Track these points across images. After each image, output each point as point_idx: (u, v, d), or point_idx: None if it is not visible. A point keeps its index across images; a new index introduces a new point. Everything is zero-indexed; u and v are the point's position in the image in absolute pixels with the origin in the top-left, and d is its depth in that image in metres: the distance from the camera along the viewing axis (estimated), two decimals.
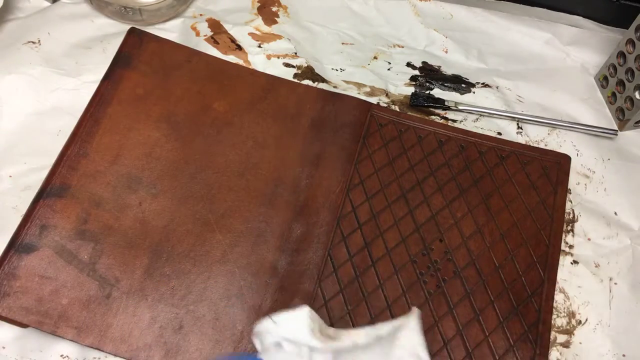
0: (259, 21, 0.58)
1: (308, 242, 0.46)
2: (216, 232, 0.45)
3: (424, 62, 0.58)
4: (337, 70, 0.56)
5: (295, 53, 0.57)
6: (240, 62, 0.55)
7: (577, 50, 0.59)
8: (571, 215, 0.50)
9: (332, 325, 0.43)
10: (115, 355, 0.41)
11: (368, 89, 0.55)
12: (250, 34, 0.57)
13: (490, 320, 0.44)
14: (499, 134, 0.54)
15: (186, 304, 0.42)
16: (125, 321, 0.41)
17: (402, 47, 0.59)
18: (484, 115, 0.54)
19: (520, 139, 0.53)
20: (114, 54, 0.52)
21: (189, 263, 0.44)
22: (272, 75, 0.53)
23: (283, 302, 0.43)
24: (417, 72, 0.57)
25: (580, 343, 0.45)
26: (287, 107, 0.51)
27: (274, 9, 0.60)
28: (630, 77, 0.53)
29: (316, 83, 0.55)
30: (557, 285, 0.46)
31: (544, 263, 0.46)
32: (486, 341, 0.43)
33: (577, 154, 0.53)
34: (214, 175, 0.48)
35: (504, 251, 0.47)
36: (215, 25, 0.57)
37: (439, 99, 0.54)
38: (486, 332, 0.44)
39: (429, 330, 0.43)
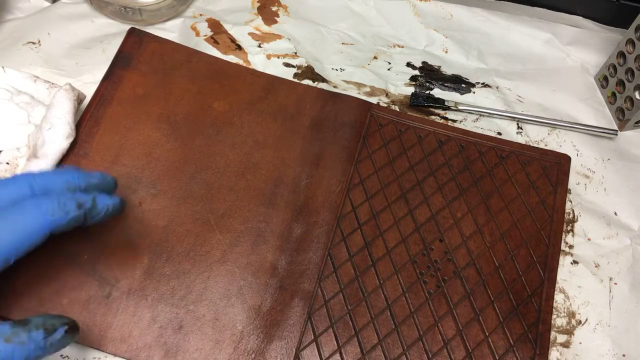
0: (258, 21, 0.58)
1: (308, 242, 0.46)
2: (216, 232, 0.45)
3: (424, 62, 0.58)
4: (337, 70, 0.56)
5: (295, 53, 0.56)
6: (240, 62, 0.55)
7: (577, 50, 0.59)
8: (571, 215, 0.50)
9: (332, 326, 0.43)
10: (115, 355, 0.41)
11: (368, 89, 0.55)
12: (250, 33, 0.57)
13: (490, 320, 0.44)
14: (499, 134, 0.54)
15: (186, 304, 0.42)
16: (125, 321, 0.41)
17: (402, 47, 0.59)
18: (484, 115, 0.54)
19: (520, 139, 0.53)
20: (114, 54, 0.52)
21: (188, 263, 0.44)
22: (272, 75, 0.53)
23: (283, 301, 0.43)
24: (417, 72, 0.57)
25: (580, 343, 0.45)
26: (287, 107, 0.51)
27: (274, 8, 0.59)
28: (630, 77, 0.53)
29: (316, 83, 0.55)
30: (557, 285, 0.46)
31: (544, 263, 0.46)
32: (486, 341, 0.43)
33: (577, 154, 0.53)
34: (214, 175, 0.48)
35: (504, 251, 0.47)
36: (215, 25, 0.57)
37: (439, 99, 0.54)
38: (486, 332, 0.44)
39: (429, 330, 0.43)
